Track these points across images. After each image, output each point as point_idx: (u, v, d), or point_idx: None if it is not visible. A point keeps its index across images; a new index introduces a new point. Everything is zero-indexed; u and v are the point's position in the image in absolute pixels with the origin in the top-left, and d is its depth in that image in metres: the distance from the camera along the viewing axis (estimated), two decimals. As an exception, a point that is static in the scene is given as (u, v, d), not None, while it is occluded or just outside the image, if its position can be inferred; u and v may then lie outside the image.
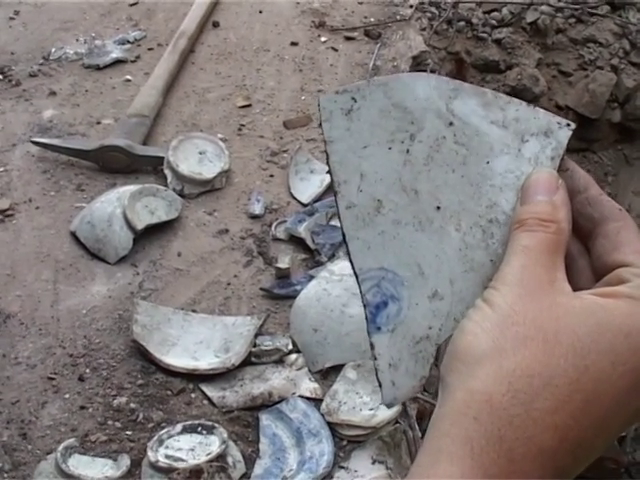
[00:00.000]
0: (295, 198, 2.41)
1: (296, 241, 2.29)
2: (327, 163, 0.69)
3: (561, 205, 0.65)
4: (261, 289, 2.18)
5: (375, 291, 0.69)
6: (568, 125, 0.68)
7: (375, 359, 0.68)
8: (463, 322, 0.63)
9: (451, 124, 0.69)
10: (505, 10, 3.26)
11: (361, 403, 1.89)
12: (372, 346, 0.69)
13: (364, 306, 0.68)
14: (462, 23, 3.20)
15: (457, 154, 0.69)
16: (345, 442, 1.87)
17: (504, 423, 0.60)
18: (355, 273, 0.70)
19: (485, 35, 3.20)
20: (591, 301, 0.62)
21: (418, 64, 2.89)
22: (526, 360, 0.60)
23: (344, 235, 0.70)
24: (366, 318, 0.69)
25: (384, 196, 0.69)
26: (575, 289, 0.63)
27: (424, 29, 3.09)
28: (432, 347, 0.69)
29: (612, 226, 0.66)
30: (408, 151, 0.69)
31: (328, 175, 0.71)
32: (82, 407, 1.97)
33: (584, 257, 0.68)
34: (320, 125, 0.73)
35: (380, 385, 0.68)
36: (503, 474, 0.59)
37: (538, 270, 0.64)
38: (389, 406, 0.72)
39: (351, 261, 0.69)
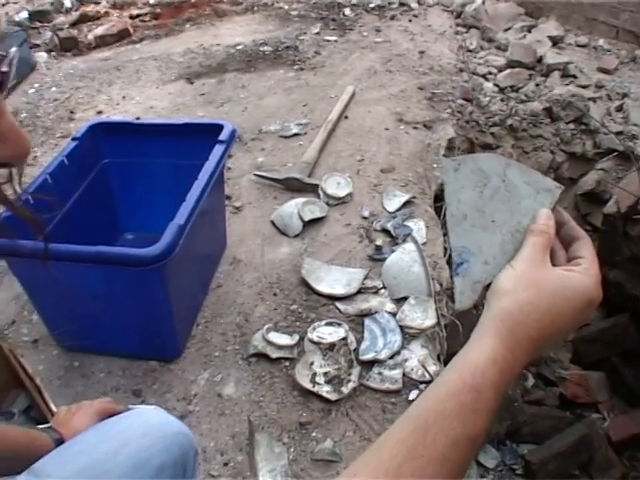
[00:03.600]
0: (385, 209, 2.37)
1: (386, 232, 2.25)
2: (443, 195, 0.76)
3: (551, 226, 0.71)
4: (367, 256, 2.15)
5: (458, 256, 0.73)
6: (559, 187, 0.73)
7: (454, 289, 0.74)
8: (498, 275, 0.67)
9: (504, 181, 0.73)
10: (496, 117, 3.19)
11: (417, 317, 1.89)
12: (453, 282, 0.75)
13: (452, 263, 0.75)
14: (474, 122, 3.15)
15: (505, 196, 0.73)
16: (407, 335, 1.84)
17: (515, 323, 0.63)
18: (450, 248, 0.76)
19: (485, 129, 3.15)
20: (561, 272, 0.67)
21: (451, 143, 2.86)
22: (528, 296, 0.64)
23: (447, 229, 0.74)
24: (452, 269, 0.75)
25: (468, 212, 0.74)
26: (555, 266, 0.68)
27: (454, 124, 3.02)
28: (481, 286, 0.72)
29: (579, 240, 0.71)
30: (482, 192, 0.73)
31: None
32: (275, 309, 1.96)
33: (562, 251, 0.71)
34: (441, 173, 0.83)
35: (455, 301, 0.75)
36: (514, 346, 0.62)
37: (537, 255, 0.68)
38: (459, 309, 0.77)
39: (449, 242, 0.75)
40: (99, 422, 1.15)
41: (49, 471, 1.00)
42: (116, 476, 1.01)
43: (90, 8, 4.89)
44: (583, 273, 0.66)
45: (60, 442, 1.10)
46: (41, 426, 1.17)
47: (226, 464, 1.57)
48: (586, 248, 0.69)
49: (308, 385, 1.69)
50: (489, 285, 0.70)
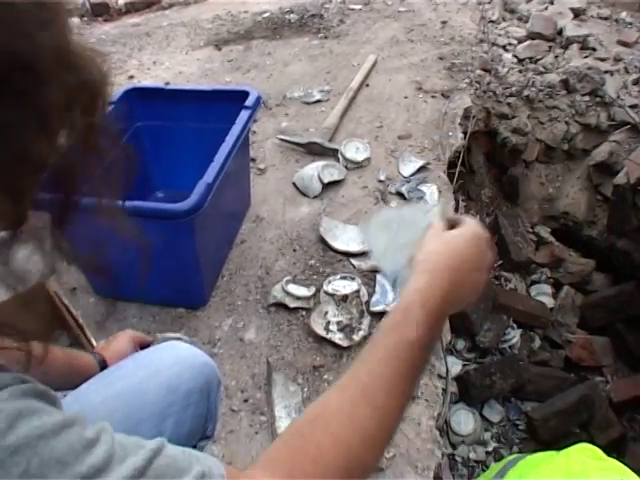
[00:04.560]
0: (400, 173, 2.48)
1: (400, 195, 2.36)
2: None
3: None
4: (381, 216, 2.28)
5: (392, 275, 0.97)
6: (436, 205, 1.02)
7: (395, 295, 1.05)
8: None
9: (402, 217, 1.01)
10: (513, 88, 3.25)
11: None
12: (395, 292, 1.05)
13: (390, 283, 1.06)
14: (491, 92, 3.22)
15: (405, 225, 0.98)
16: None
17: (435, 273, 0.82)
18: (385, 274, 1.07)
19: (502, 99, 3.21)
20: (451, 231, 0.90)
21: (467, 112, 2.96)
22: (434, 246, 0.87)
23: (379, 266, 1.03)
24: (392, 287, 1.04)
25: (387, 247, 0.99)
26: None
27: (472, 94, 3.09)
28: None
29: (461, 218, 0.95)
30: (389, 230, 0.99)
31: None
32: (294, 263, 2.10)
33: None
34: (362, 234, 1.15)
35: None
36: (434, 285, 0.80)
37: (436, 232, 0.92)
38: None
39: (384, 273, 1.04)
40: (134, 347, 1.32)
41: (91, 394, 1.16)
42: (150, 400, 1.16)
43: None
44: (464, 227, 0.90)
45: (103, 364, 1.26)
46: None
47: (246, 400, 1.74)
48: (466, 219, 0.93)
49: (322, 332, 1.85)
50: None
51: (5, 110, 0.53)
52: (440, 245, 0.86)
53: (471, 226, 0.90)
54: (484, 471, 2.40)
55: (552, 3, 4.21)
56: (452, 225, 0.92)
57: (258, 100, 2.13)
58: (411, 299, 0.78)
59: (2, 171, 0.56)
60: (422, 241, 0.89)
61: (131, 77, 3.39)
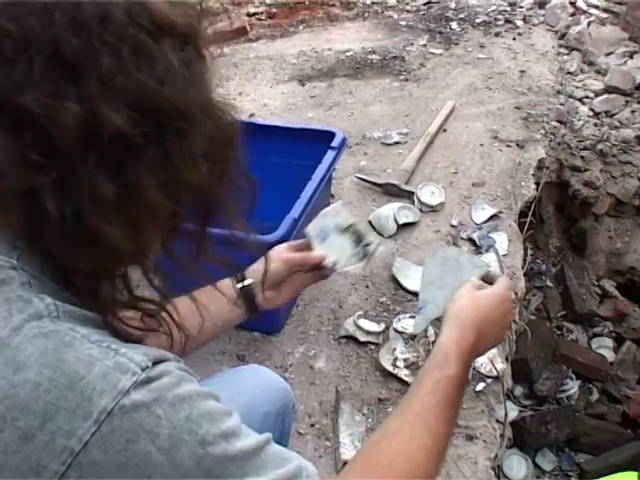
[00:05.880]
0: (473, 220, 2.56)
1: (471, 241, 2.45)
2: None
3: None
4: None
5: (422, 303, 1.22)
6: (488, 265, 1.25)
7: (415, 321, 1.39)
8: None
9: (457, 261, 1.22)
10: (588, 142, 3.30)
11: None
12: (416, 318, 1.39)
13: (416, 308, 1.26)
14: (565, 145, 3.27)
15: (455, 269, 1.20)
16: None
17: (465, 327, 1.04)
18: (419, 299, 1.25)
19: (576, 152, 3.26)
20: (485, 292, 1.13)
21: (541, 163, 3.03)
22: (465, 302, 1.09)
23: (420, 290, 1.25)
24: (416, 311, 1.41)
25: (433, 280, 1.21)
26: None
27: (546, 146, 3.15)
28: (429, 321, 1.23)
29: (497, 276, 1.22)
30: (443, 268, 1.21)
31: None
32: (366, 299, 2.21)
33: None
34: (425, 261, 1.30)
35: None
36: (466, 337, 1.03)
37: (471, 288, 1.15)
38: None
39: (420, 296, 1.24)
40: (289, 269, 1.34)
41: None
42: None
43: (211, 3, 5.24)
44: (495, 287, 1.12)
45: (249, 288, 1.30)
46: None
47: (312, 425, 1.85)
48: (501, 279, 1.16)
49: (389, 367, 1.95)
50: (437, 319, 1.13)
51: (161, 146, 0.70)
52: (471, 301, 1.07)
53: (501, 287, 1.12)
54: (534, 518, 2.43)
55: (632, 57, 4.25)
56: (489, 282, 1.15)
57: (344, 141, 2.26)
58: (449, 346, 1.00)
59: (166, 196, 0.72)
60: (457, 294, 1.09)
61: (218, 106, 3.56)
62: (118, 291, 0.76)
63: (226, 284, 1.25)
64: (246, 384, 1.34)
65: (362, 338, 2.06)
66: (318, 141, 2.26)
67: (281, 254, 1.34)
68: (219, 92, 0.80)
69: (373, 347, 2.05)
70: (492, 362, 1.96)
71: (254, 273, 1.30)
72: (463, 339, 1.01)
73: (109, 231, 0.68)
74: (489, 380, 1.94)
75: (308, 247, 1.39)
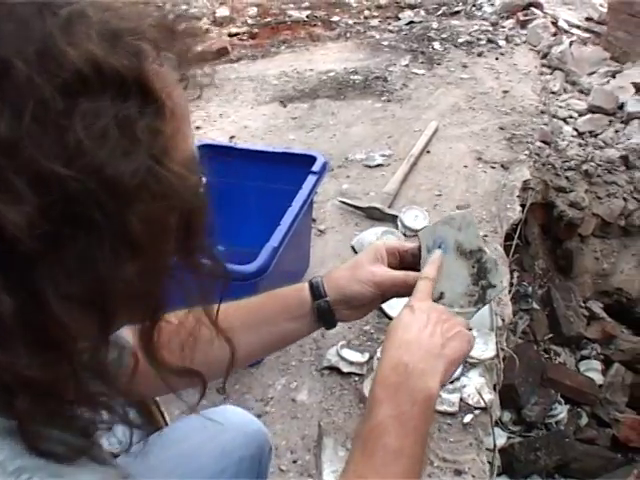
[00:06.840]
0: None
1: None
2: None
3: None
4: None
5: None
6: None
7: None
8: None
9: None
10: (572, 162, 3.28)
11: (478, 347, 1.96)
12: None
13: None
14: (550, 165, 3.25)
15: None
16: (467, 364, 1.98)
17: (384, 369, 0.90)
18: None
19: (561, 173, 3.24)
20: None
21: (526, 184, 3.00)
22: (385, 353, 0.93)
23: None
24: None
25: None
26: None
27: (531, 166, 3.13)
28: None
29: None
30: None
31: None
32: (349, 328, 2.13)
33: None
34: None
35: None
36: (386, 377, 0.88)
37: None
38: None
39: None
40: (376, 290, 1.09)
41: (149, 457, 1.20)
42: (204, 464, 1.19)
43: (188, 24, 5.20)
44: (399, 315, 0.96)
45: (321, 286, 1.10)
46: None
47: (295, 461, 1.78)
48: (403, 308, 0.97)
49: (374, 400, 1.88)
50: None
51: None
52: (387, 339, 0.94)
53: (405, 311, 0.96)
54: None
55: (614, 77, 4.25)
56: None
57: (325, 166, 2.21)
58: (374, 390, 0.90)
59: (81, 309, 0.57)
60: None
61: (197, 128, 3.50)
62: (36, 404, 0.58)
63: (302, 300, 1.10)
64: (219, 428, 1.27)
65: (345, 369, 2.00)
66: (299, 165, 2.21)
67: (375, 276, 1.06)
68: (186, 149, 0.64)
69: (357, 378, 1.99)
70: (480, 393, 1.90)
71: (334, 290, 1.08)
72: (383, 378, 0.88)
73: (8, 360, 0.54)
74: (477, 411, 1.88)
75: (415, 256, 1.11)
